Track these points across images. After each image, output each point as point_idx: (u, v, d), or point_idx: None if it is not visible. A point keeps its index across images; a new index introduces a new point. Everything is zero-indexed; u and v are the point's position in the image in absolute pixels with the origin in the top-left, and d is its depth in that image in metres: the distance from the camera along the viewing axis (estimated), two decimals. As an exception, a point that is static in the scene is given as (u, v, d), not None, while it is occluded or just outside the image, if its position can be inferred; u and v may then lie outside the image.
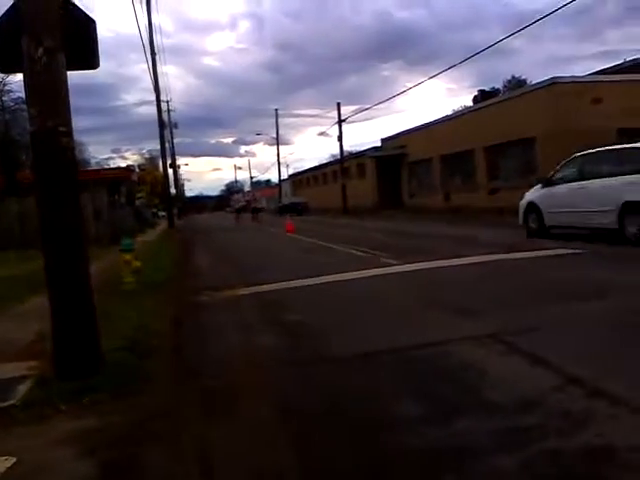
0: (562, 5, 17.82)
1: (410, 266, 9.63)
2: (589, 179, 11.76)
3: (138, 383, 4.16)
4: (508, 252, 10.52)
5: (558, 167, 13.53)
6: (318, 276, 9.09)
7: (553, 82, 23.51)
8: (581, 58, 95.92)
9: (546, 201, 13.21)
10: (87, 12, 4.77)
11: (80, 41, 4.65)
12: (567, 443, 2.87)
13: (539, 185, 13.83)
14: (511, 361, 4.30)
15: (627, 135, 22.18)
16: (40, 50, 4.17)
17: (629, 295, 6.25)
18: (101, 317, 4.64)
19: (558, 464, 2.70)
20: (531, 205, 13.75)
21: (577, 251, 10.24)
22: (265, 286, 8.61)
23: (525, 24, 22.09)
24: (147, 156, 73.36)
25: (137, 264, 8.72)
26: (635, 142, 11.15)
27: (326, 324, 6.01)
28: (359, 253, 12.35)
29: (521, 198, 14.44)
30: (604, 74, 30.83)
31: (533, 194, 13.99)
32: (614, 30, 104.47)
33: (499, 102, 29.15)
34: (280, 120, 63.20)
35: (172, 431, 3.39)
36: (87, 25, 4.76)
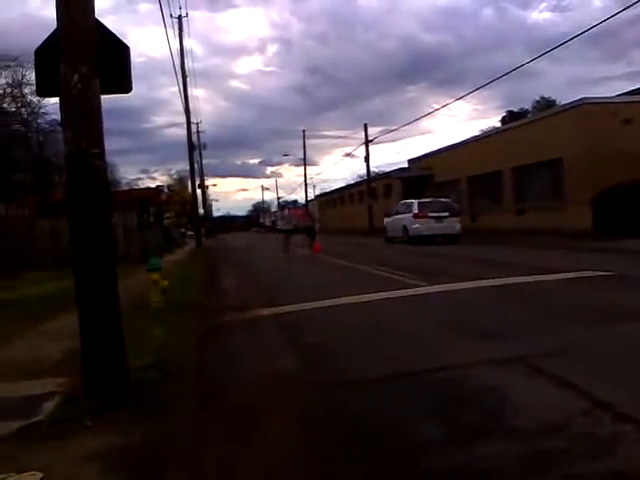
0: (588, 28, 17.80)
1: (435, 287, 9.59)
2: (399, 214, 26.66)
3: (163, 402, 4.21)
4: (534, 274, 10.41)
5: (395, 207, 28.97)
6: (337, 297, 9.10)
7: (581, 103, 23.34)
8: (610, 79, 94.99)
9: (388, 225, 28.47)
10: (121, 38, 4.95)
11: (114, 66, 4.81)
12: (594, 467, 2.84)
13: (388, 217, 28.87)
14: (537, 384, 4.26)
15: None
16: (76, 76, 4.30)
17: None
18: (128, 335, 4.70)
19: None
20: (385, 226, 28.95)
21: (607, 273, 10.10)
22: (288, 307, 8.65)
23: (550, 46, 22.06)
24: (175, 177, 74.40)
25: (164, 283, 8.82)
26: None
27: (349, 346, 6.01)
28: (384, 274, 12.33)
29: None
30: (635, 94, 30.58)
31: (386, 220, 29.03)
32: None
33: (527, 123, 29.06)
34: (307, 141, 63.60)
35: (194, 451, 3.42)
36: (121, 51, 4.93)
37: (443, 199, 26.80)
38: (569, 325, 6.21)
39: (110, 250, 4.51)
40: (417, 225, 24.31)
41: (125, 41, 4.95)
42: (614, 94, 33.40)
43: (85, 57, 4.34)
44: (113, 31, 4.88)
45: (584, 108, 23.03)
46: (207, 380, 5.01)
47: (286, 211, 21.13)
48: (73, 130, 4.37)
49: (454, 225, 24.22)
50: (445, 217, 24.25)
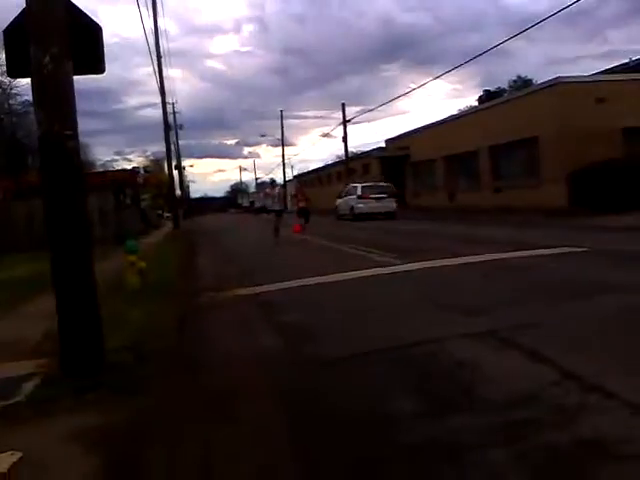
0: (563, 7, 17.90)
1: (414, 265, 9.70)
2: (348, 196, 30.67)
3: (140, 382, 4.24)
4: (511, 250, 10.57)
5: (344, 189, 32.79)
6: (320, 275, 9.17)
7: (556, 82, 23.48)
8: (586, 58, 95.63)
9: (339, 205, 31.56)
10: (92, 18, 4.88)
11: (86, 47, 4.76)
12: (561, 436, 2.94)
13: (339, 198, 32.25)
14: (510, 357, 4.37)
15: (633, 134, 22.29)
16: (47, 57, 4.26)
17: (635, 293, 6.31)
18: (105, 317, 4.72)
19: (550, 456, 2.77)
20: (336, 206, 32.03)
21: (582, 249, 10.29)
22: (265, 286, 8.70)
23: (526, 26, 22.18)
24: (152, 158, 73.56)
25: (141, 265, 8.82)
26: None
27: (326, 324, 6.07)
28: (361, 252, 12.42)
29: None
30: (610, 74, 30.85)
31: (337, 201, 32.52)
32: (618, 30, 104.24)
33: (503, 102, 29.17)
34: (284, 122, 63.31)
35: (172, 430, 3.47)
36: (93, 31, 4.88)
37: (383, 183, 31.43)
38: (544, 300, 6.34)
39: (85, 232, 4.51)
40: (361, 205, 28.88)
41: (97, 21, 4.89)
42: (589, 73, 33.75)
43: (56, 37, 4.29)
44: (84, 10, 4.83)
45: (559, 87, 23.18)
46: (184, 360, 5.05)
47: (276, 189, 19.76)
48: (45, 111, 4.33)
49: (391, 204, 28.89)
50: (383, 198, 28.88)
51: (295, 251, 15.23)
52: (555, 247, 10.74)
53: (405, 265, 9.82)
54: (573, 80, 23.65)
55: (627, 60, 35.00)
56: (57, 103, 4.33)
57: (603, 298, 6.14)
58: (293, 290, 8.28)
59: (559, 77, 23.72)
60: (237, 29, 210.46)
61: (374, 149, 45.48)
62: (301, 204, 20.39)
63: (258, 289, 8.57)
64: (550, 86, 24.02)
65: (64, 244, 4.33)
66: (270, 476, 2.89)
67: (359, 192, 29.50)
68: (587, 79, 25.40)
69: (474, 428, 3.13)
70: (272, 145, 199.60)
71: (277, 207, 18.99)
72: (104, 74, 4.99)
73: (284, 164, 65.18)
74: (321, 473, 2.89)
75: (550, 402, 3.39)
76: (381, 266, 9.88)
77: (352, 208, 29.30)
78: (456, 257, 10.18)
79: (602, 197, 19.14)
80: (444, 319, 5.83)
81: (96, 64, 4.92)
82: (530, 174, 24.88)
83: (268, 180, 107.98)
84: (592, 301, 6.05)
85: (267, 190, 18.66)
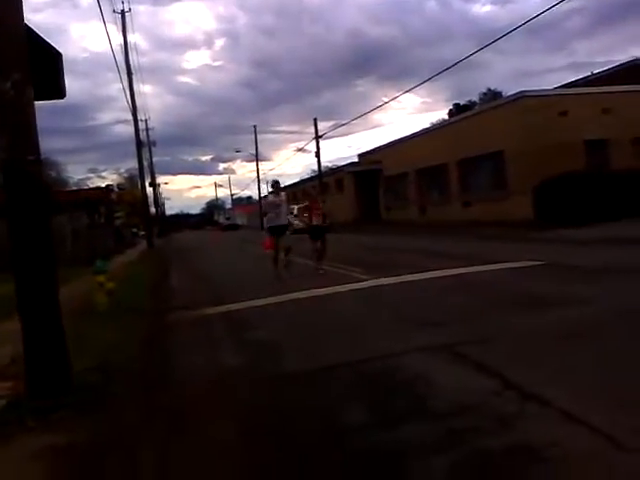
0: (528, 19, 18.41)
1: (381, 281, 9.91)
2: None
3: (105, 402, 4.36)
4: (475, 265, 10.85)
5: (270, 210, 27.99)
6: (285, 293, 9.35)
7: (521, 96, 24.08)
8: (552, 70, 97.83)
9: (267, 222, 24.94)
10: (52, 44, 5.03)
11: (47, 73, 4.91)
12: (495, 442, 3.15)
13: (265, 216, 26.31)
14: (459, 370, 4.58)
15: (594, 146, 22.93)
16: (8, 83, 4.39)
17: (584, 304, 6.58)
18: (73, 338, 4.83)
19: (485, 460, 2.98)
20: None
21: (542, 263, 10.60)
22: (235, 304, 8.86)
23: (494, 38, 22.78)
24: (126, 175, 73.12)
25: (110, 285, 8.89)
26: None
27: (289, 341, 6.25)
28: (329, 268, 12.61)
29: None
30: (573, 86, 31.67)
31: (265, 218, 25.09)
32: (583, 42, 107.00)
33: (471, 116, 29.71)
34: (258, 137, 63.53)
35: (135, 447, 3.60)
36: (53, 57, 5.03)
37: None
38: (497, 313, 6.59)
39: (49, 255, 4.61)
40: (297, 222, 30.68)
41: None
42: (555, 85, 34.59)
43: (17, 64, 4.42)
44: (44, 37, 4.97)
45: (523, 101, 23.76)
46: (150, 380, 5.17)
47: (282, 195, 13.24)
48: (8, 138, 4.45)
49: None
50: None
51: (260, 267, 15.37)
52: (516, 261, 11.03)
53: (370, 281, 10.02)
54: (537, 94, 24.24)
55: (589, 73, 36.12)
56: (19, 129, 4.46)
57: (554, 311, 6.39)
58: (260, 308, 8.44)
59: (523, 91, 24.31)
60: (209, 43, 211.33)
61: (347, 164, 45.90)
62: (315, 221, 13.46)
63: (227, 307, 8.70)
64: (514, 100, 24.62)
65: (28, 267, 4.44)
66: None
67: (295, 212, 34.71)
68: (550, 92, 26.06)
69: (418, 436, 3.33)
70: (247, 160, 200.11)
71: (279, 221, 12.53)
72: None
73: (259, 179, 65.27)
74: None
75: (490, 411, 3.60)
76: (347, 282, 10.06)
77: (291, 225, 32.13)
78: (420, 272, 10.42)
79: (565, 209, 19.61)
80: (403, 334, 6.03)
81: (57, 89, 5.08)
82: (497, 187, 25.38)
83: (244, 196, 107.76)
84: (543, 315, 6.31)
85: (271, 198, 12.81)
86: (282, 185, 67.72)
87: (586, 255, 11.86)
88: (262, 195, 67.25)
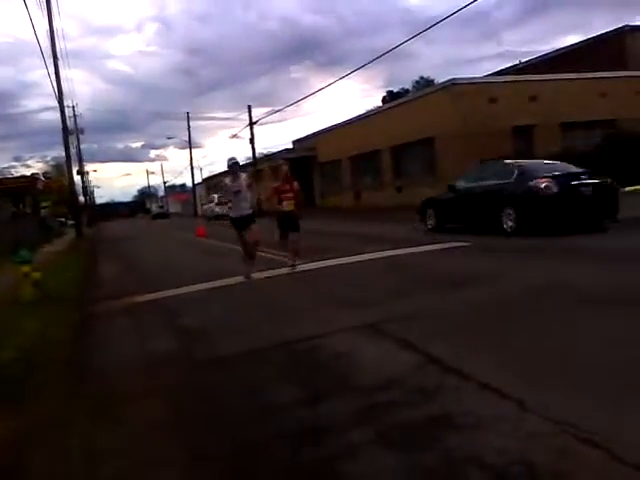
0: (460, 8, 18.88)
1: (311, 265, 10.02)
2: (209, 204, 42.37)
3: (30, 393, 4.29)
4: (405, 247, 11.12)
5: (208, 199, 42.35)
6: (218, 279, 9.34)
7: (451, 83, 24.65)
8: (482, 59, 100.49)
9: (204, 210, 41.19)
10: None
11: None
12: (415, 414, 3.30)
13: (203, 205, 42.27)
14: (383, 347, 4.74)
15: (521, 132, 23.79)
16: None
17: (501, 282, 6.90)
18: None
19: (405, 431, 3.12)
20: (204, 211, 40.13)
21: (466, 244, 10.97)
22: (165, 292, 8.78)
23: (426, 27, 23.28)
24: (52, 163, 70.54)
25: (36, 275, 8.65)
26: None
27: (220, 326, 6.28)
28: (264, 255, 12.63)
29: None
30: (502, 75, 32.65)
31: (202, 207, 41.46)
32: (512, 32, 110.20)
33: (403, 103, 30.20)
34: (192, 123, 62.50)
35: (59, 436, 3.57)
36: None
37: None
38: (423, 292, 6.83)
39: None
40: (217, 209, 39.57)
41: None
42: (485, 74, 35.57)
43: None
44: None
45: (453, 88, 24.35)
46: (77, 369, 5.09)
47: (242, 177, 9.76)
48: None
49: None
50: None
51: (192, 254, 15.27)
52: (443, 242, 11.38)
53: (302, 265, 10.11)
54: (467, 81, 24.91)
55: (517, 62, 37.33)
56: None
57: (475, 288, 6.68)
58: (192, 294, 8.40)
59: (453, 78, 24.90)
60: (140, 29, 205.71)
61: (282, 150, 45.80)
62: (286, 205, 10.18)
63: (158, 295, 8.61)
64: (444, 87, 25.19)
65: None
66: (155, 465, 3.08)
67: (216, 201, 41.35)
68: (480, 80, 26.83)
69: (341, 411, 3.44)
70: (180, 147, 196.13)
71: (242, 210, 9.63)
72: None
73: (192, 167, 64.31)
74: (202, 460, 3.11)
75: (411, 384, 3.76)
76: (277, 267, 10.13)
77: (212, 211, 41.96)
78: (351, 255, 10.59)
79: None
80: (333, 315, 6.16)
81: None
82: (428, 173, 25.95)
83: (178, 184, 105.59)
84: (465, 291, 6.59)
85: (227, 181, 9.84)
86: (217, 172, 64.94)
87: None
88: (195, 182, 66.48)
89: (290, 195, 10.03)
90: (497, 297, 6.17)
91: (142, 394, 4.26)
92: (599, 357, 3.97)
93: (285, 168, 11.17)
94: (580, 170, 12.49)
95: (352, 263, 9.89)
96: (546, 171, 12.24)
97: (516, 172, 12.55)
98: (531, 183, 11.88)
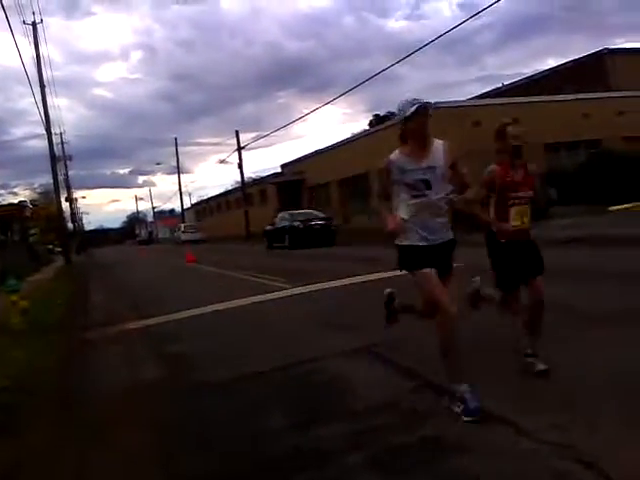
0: (443, 33, 19.22)
1: (302, 289, 10.02)
2: (179, 232, 58.46)
3: (18, 422, 4.24)
4: (394, 269, 11.12)
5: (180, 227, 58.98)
6: (208, 305, 9.30)
7: (435, 107, 24.84)
8: (464, 83, 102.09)
9: (177, 237, 56.76)
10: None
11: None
12: (408, 437, 3.30)
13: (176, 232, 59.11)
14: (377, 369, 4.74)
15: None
16: None
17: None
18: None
19: (399, 455, 3.11)
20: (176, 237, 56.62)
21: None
22: (156, 318, 8.72)
23: (410, 52, 23.58)
24: (40, 191, 70.23)
25: (24, 304, 8.58)
26: None
27: (210, 352, 6.25)
28: (252, 279, 12.64)
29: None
30: (486, 97, 33.10)
31: (176, 234, 61.11)
32: (493, 56, 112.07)
33: (390, 126, 30.45)
34: (180, 149, 62.72)
35: (49, 466, 3.53)
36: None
37: (193, 224, 61.44)
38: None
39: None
40: (183, 235, 53.29)
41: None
42: (468, 97, 36.05)
43: None
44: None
45: (437, 112, 24.39)
46: (65, 398, 5.03)
47: (439, 148, 4.08)
48: None
49: (199, 234, 52.98)
50: (194, 232, 54.32)
51: (185, 279, 15.24)
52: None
53: (294, 289, 10.12)
54: (450, 105, 25.19)
55: (500, 85, 37.91)
56: None
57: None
58: (183, 321, 8.35)
59: (437, 102, 25.13)
60: (125, 56, 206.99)
61: (270, 174, 46.03)
62: (517, 215, 4.28)
63: (148, 321, 8.57)
64: (429, 111, 25.44)
65: None
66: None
67: (182, 229, 56.28)
68: (463, 104, 27.15)
69: (335, 436, 3.43)
70: (168, 173, 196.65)
71: (436, 227, 3.93)
72: None
73: (181, 192, 64.33)
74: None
75: (406, 407, 3.76)
76: (271, 291, 10.12)
77: (179, 237, 54.35)
78: (341, 278, 10.60)
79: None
80: (325, 338, 6.15)
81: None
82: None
83: (167, 209, 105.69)
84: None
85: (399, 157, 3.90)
86: (206, 197, 66.89)
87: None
88: (184, 207, 66.48)
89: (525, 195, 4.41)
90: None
91: (128, 421, 4.22)
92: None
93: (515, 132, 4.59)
94: (319, 215, 26.35)
95: (341, 287, 9.92)
96: (302, 217, 25.70)
97: (289, 217, 26.20)
98: (295, 223, 25.03)
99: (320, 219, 25.09)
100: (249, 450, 3.40)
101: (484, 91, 38.41)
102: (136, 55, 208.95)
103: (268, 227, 28.56)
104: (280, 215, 28.06)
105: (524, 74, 37.78)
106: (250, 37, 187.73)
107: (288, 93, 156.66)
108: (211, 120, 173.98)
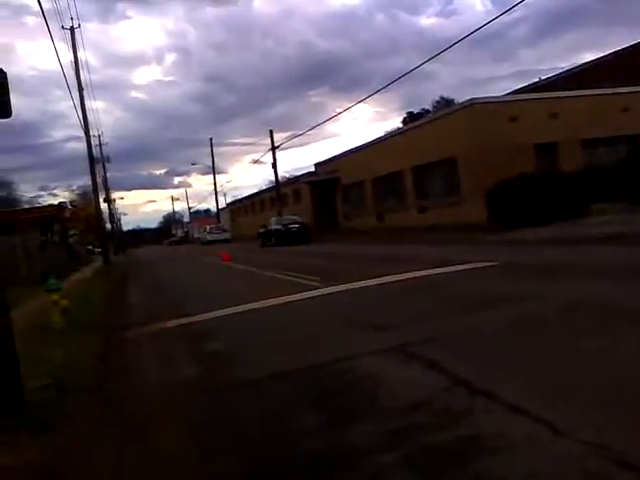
0: (477, 28, 18.96)
1: (336, 288, 10.02)
2: (204, 232, 62.71)
3: (60, 420, 4.32)
4: (428, 268, 11.06)
5: (205, 230, 63.33)
6: (244, 304, 9.37)
7: (471, 103, 24.65)
8: (499, 78, 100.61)
9: (201, 237, 63.93)
10: (-2, 64, 5.00)
11: (-9, 92, 4.87)
12: (444, 436, 3.27)
13: (200, 234, 66.08)
14: (410, 368, 4.72)
15: (543, 149, 23.64)
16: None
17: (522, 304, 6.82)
18: (27, 357, 4.79)
19: (434, 454, 3.09)
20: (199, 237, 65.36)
21: (493, 264, 10.88)
22: (194, 317, 8.83)
23: (441, 49, 23.36)
24: (78, 192, 71.73)
25: (64, 303, 8.77)
26: None
27: (249, 350, 6.29)
28: (287, 278, 12.68)
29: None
30: (522, 92, 32.57)
31: (200, 235, 66.40)
32: (528, 51, 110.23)
33: (424, 124, 30.26)
34: (214, 149, 63.46)
35: (89, 467, 3.60)
36: (-3, 76, 4.99)
37: (220, 224, 62.59)
38: (449, 314, 6.76)
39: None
40: (208, 236, 57.09)
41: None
42: (505, 92, 35.53)
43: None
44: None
45: (473, 108, 24.33)
46: (106, 396, 5.13)
47: None
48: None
49: (226, 235, 57.01)
50: (222, 232, 58.01)
51: (221, 278, 15.37)
52: (468, 263, 11.29)
53: (328, 288, 10.12)
54: (487, 101, 24.86)
55: (537, 79, 37.23)
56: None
57: (502, 309, 6.60)
58: (220, 319, 8.43)
59: (473, 98, 24.89)
60: (159, 59, 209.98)
61: (304, 174, 46.13)
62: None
63: (186, 320, 8.68)
64: (465, 107, 25.19)
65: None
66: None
67: (208, 230, 59.55)
68: (500, 99, 26.76)
69: (369, 434, 3.42)
70: (203, 173, 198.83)
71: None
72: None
73: (216, 192, 65.08)
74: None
75: (439, 406, 3.73)
76: (306, 290, 10.15)
77: (205, 237, 58.52)
78: (375, 277, 10.57)
79: (517, 211, 20.04)
80: (359, 337, 6.15)
81: (3, 109, 5.04)
82: (451, 193, 25.88)
83: (202, 209, 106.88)
84: (491, 313, 6.51)
85: None
86: (240, 196, 67.91)
87: (535, 255, 12.23)
88: (220, 207, 67.13)
89: None
90: (526, 316, 6.10)
91: (167, 419, 4.30)
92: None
93: None
94: (297, 220, 34.13)
95: (375, 286, 9.86)
96: (285, 222, 33.72)
97: (277, 222, 34.39)
98: (277, 226, 33.31)
99: (297, 223, 33.16)
100: (284, 449, 3.42)
101: (521, 86, 37.79)
102: (170, 58, 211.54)
103: (262, 229, 36.60)
104: (272, 220, 35.96)
105: (560, 68, 37.06)
106: (281, 37, 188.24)
107: (320, 92, 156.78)
108: (244, 120, 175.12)
